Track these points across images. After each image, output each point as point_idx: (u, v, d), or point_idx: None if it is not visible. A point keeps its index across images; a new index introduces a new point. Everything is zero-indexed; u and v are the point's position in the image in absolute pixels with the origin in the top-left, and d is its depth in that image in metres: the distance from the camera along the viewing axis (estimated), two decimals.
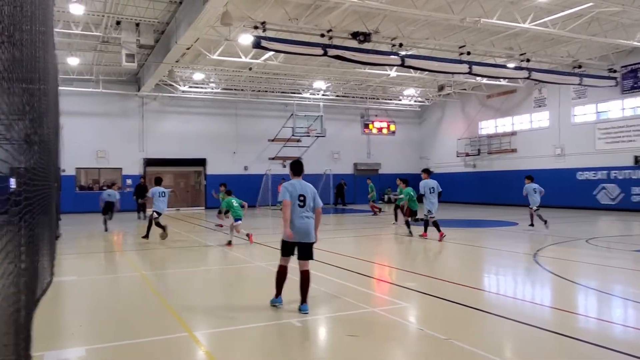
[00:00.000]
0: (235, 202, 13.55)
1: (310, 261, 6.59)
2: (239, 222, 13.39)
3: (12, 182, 4.65)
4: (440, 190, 14.59)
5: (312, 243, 6.58)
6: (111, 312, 6.78)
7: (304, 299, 6.48)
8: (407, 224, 16.27)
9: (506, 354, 5.01)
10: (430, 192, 14.47)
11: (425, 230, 14.67)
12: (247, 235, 13.70)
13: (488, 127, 32.54)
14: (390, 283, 8.66)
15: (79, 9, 16.56)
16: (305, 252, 6.53)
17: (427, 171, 15.10)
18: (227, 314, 6.58)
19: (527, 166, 29.01)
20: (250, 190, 31.40)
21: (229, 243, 13.37)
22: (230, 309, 6.84)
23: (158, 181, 15.60)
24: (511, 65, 21.75)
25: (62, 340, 5.51)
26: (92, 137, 27.82)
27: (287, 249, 6.63)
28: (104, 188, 22.48)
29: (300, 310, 6.40)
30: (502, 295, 7.76)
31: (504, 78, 25.35)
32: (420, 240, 14.23)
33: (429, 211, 14.35)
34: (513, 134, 30.50)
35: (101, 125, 28.33)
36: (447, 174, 35.11)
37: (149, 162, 29.49)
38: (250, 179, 31.64)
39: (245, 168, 31.95)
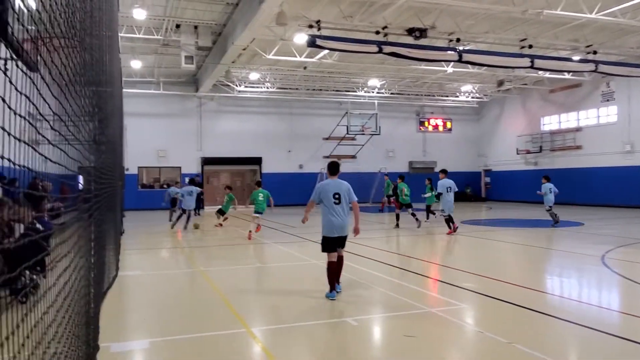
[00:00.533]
0: (262, 195, 14.58)
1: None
2: (258, 215, 14.47)
3: (80, 180, 4.90)
4: (457, 189, 15.60)
5: (344, 237, 7.37)
6: (173, 306, 7.01)
7: (338, 282, 7.39)
8: (397, 216, 18.20)
9: None
10: (447, 191, 15.36)
11: (450, 228, 15.28)
12: (250, 231, 14.58)
13: (551, 123, 31.18)
14: (448, 283, 8.47)
15: (141, 13, 17.25)
16: (342, 242, 7.41)
17: (444, 171, 15.86)
18: (283, 311, 6.64)
19: (593, 164, 27.62)
20: (304, 189, 31.62)
21: (253, 231, 14.71)
22: (286, 306, 6.90)
23: (191, 182, 18.05)
24: (576, 57, 20.71)
25: (127, 332, 5.75)
26: (153, 137, 28.93)
27: (330, 245, 7.30)
28: (164, 187, 23.51)
29: (328, 296, 7.17)
30: (566, 298, 7.40)
31: (569, 71, 24.19)
32: (477, 240, 13.83)
33: (443, 210, 15.41)
34: (578, 130, 29.07)
35: (161, 126, 29.42)
36: (507, 172, 33.98)
37: (206, 161, 30.34)
38: (305, 177, 31.87)
39: (300, 166, 32.24)
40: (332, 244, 7.24)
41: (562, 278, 9.06)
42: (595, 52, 20.38)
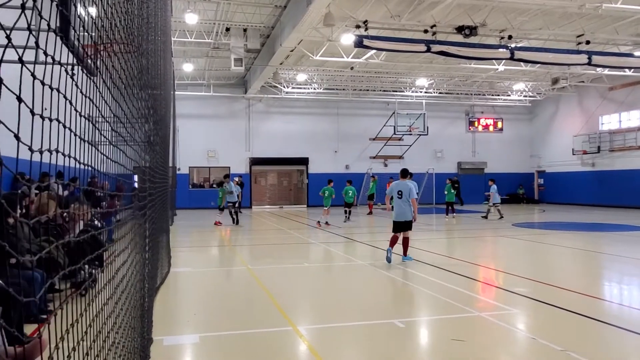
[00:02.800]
0: (327, 192, 17.99)
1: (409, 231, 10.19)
2: (325, 209, 18.00)
3: (135, 179, 5.10)
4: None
5: (409, 221, 10.00)
6: (222, 302, 7.17)
7: (405, 253, 10.16)
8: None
9: None
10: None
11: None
12: (319, 222, 17.89)
13: (610, 122, 29.76)
14: (499, 287, 8.24)
15: (193, 18, 17.74)
16: (406, 225, 10.07)
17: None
18: (329, 311, 6.66)
19: None
20: None
21: (320, 223, 17.88)
22: (333, 306, 6.92)
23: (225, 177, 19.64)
24: (638, 53, 19.68)
25: (178, 326, 5.93)
26: (203, 138, 29.68)
27: (395, 226, 10.14)
28: (214, 186, 24.17)
29: (403, 260, 10.03)
30: (625, 306, 7.04)
31: (630, 68, 22.98)
32: (530, 243, 13.37)
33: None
34: None
35: (211, 127, 30.14)
36: (561, 174, 32.71)
37: (255, 162, 30.84)
38: (352, 177, 31.78)
39: (347, 167, 32.21)
40: (396, 226, 10.10)
41: (622, 285, 8.64)
42: None
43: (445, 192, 22.28)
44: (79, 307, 2.00)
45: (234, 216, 18.82)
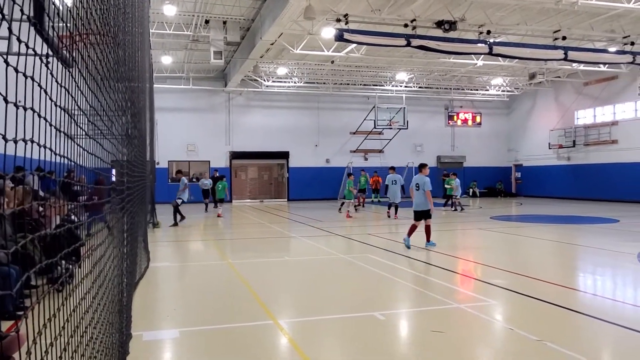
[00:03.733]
0: (348, 186, 19.28)
1: (430, 219, 11.23)
2: (350, 201, 19.35)
3: (113, 173, 5.02)
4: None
5: (427, 210, 10.96)
6: (202, 297, 7.13)
7: (428, 239, 11.21)
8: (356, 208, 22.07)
9: None
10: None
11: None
12: (349, 211, 19.28)
13: (585, 116, 30.36)
14: (477, 279, 8.37)
15: (171, 9, 17.50)
16: (425, 214, 11.07)
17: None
18: (310, 304, 6.68)
19: (629, 159, 26.81)
20: (331, 183, 31.69)
21: (349, 213, 19.30)
22: (313, 299, 6.95)
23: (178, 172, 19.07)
24: (613, 49, 20.08)
25: (158, 321, 5.88)
26: (183, 131, 29.39)
27: (415, 215, 11.19)
28: (194, 180, 24.01)
29: (426, 246, 11.11)
30: (600, 296, 7.22)
31: (605, 64, 23.47)
32: (507, 236, 13.60)
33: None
34: (614, 123, 28.23)
35: (191, 120, 29.85)
36: (538, 167, 33.29)
37: (235, 155, 30.67)
38: (332, 171, 31.90)
39: (327, 161, 32.26)
40: (417, 215, 11.15)
41: (596, 276, 8.85)
42: (632, 44, 19.72)
43: (447, 186, 23.27)
44: (56, 302, 1.96)
45: (177, 215, 16.65)
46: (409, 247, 10.89)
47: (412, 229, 11.17)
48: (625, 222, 16.68)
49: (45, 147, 1.68)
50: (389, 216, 18.75)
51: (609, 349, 5.04)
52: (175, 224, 16.36)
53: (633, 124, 27.00)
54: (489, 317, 5.92)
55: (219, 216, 19.80)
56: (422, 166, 11.44)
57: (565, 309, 6.15)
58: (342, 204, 21.08)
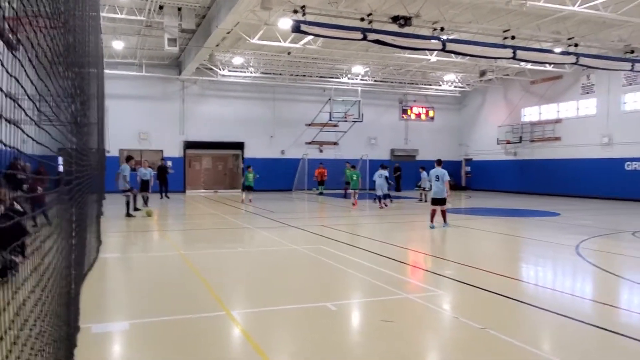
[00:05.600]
0: (355, 176, 21.68)
1: (445, 205, 13.85)
2: (355, 190, 21.56)
3: (60, 162, 4.87)
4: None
5: (444, 198, 13.54)
6: (153, 289, 7.04)
7: (444, 221, 13.73)
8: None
9: (544, 346, 4.95)
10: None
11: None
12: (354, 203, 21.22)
13: (531, 114, 31.61)
14: (426, 270, 8.64)
15: None
16: (442, 201, 13.63)
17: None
18: (263, 295, 6.72)
19: (571, 155, 28.15)
20: (286, 174, 31.68)
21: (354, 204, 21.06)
22: (266, 290, 6.99)
23: (127, 159, 17.30)
24: (558, 50, 20.98)
25: (107, 313, 5.77)
26: (135, 119, 28.56)
27: (434, 202, 13.76)
28: (137, 168, 22.54)
29: (443, 227, 13.53)
30: (541, 286, 7.62)
31: (550, 63, 24.49)
32: (456, 228, 14.06)
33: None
34: (558, 121, 29.54)
35: (143, 108, 29.04)
36: (487, 162, 34.42)
37: (189, 145, 30.12)
38: (287, 163, 31.88)
39: (282, 152, 32.20)
40: (435, 201, 13.72)
41: (537, 267, 9.31)
42: (576, 45, 20.66)
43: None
44: (4, 295, 1.93)
45: (129, 206, 16.17)
46: (433, 227, 13.44)
47: (433, 213, 13.65)
48: (566, 216, 17.56)
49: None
50: (381, 207, 20.32)
51: (547, 336, 5.34)
52: (129, 215, 15.93)
53: (575, 122, 28.35)
54: (436, 307, 6.14)
55: (249, 201, 22.00)
56: (439, 162, 14.05)
57: (508, 298, 6.45)
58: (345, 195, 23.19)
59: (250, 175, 22.15)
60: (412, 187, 26.55)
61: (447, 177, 13.52)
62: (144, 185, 19.27)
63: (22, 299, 2.17)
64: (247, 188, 22.29)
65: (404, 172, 32.04)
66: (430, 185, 22.47)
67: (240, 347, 4.77)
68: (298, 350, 4.75)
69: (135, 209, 17.01)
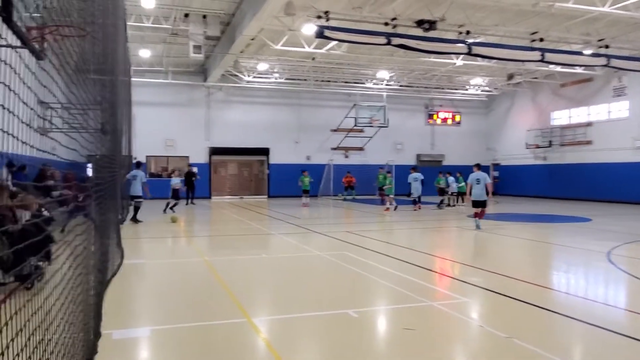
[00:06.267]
0: (388, 182, 22.16)
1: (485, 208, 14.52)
2: (390, 196, 21.66)
3: (89, 169, 4.93)
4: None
5: (485, 200, 14.20)
6: (176, 295, 7.07)
7: (480, 218, 14.33)
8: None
9: (573, 357, 4.76)
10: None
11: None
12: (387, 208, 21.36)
13: (561, 117, 30.89)
14: (451, 277, 8.47)
15: (150, 2, 17.23)
16: (482, 204, 14.28)
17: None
18: (284, 302, 6.68)
19: (603, 159, 27.38)
20: (312, 180, 31.68)
21: (387, 209, 21.31)
22: (289, 298, 6.95)
23: (137, 165, 17.55)
24: (588, 52, 20.47)
25: (129, 319, 5.81)
26: (161, 126, 29.02)
27: (475, 204, 14.37)
28: (171, 176, 23.46)
29: (476, 228, 14.20)
30: (571, 294, 7.37)
31: (580, 66, 23.93)
32: (484, 234, 13.79)
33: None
34: (589, 124, 28.79)
35: (169, 115, 29.50)
36: (515, 167, 33.77)
37: (214, 151, 30.42)
38: (312, 168, 31.88)
39: (308, 158, 32.23)
40: (475, 204, 14.36)
41: (567, 274, 9.03)
42: (607, 47, 20.13)
43: (460, 184, 23.67)
44: (25, 300, 1.93)
45: (137, 212, 16.00)
46: (479, 228, 14.16)
47: (476, 214, 14.43)
48: (598, 221, 17.05)
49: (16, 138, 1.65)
50: (415, 209, 21.52)
51: (576, 347, 5.15)
52: (136, 220, 15.80)
53: (607, 125, 27.58)
54: (460, 315, 6.00)
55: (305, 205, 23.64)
56: (478, 166, 14.78)
57: (536, 307, 6.26)
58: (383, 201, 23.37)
59: (306, 179, 23.95)
60: (434, 193, 26.25)
61: (488, 180, 14.22)
62: (175, 194, 19.98)
63: (47, 307, 2.17)
64: (304, 192, 24.19)
65: (427, 178, 31.62)
66: (459, 189, 23.08)
67: (261, 355, 4.73)
68: (319, 359, 4.68)
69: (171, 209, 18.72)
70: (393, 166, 30.82)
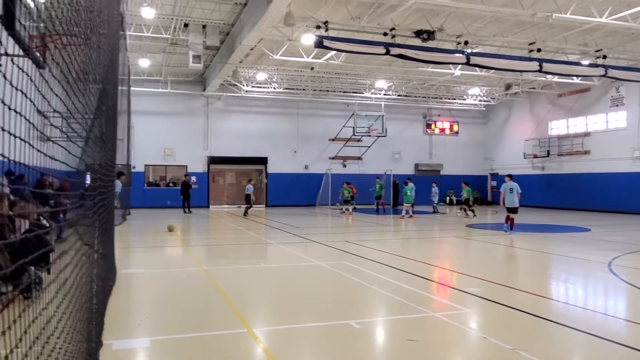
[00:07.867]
0: (409, 191, 22.45)
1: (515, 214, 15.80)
2: (408, 205, 22.35)
3: (88, 178, 4.91)
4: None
5: (517, 207, 15.64)
6: (175, 305, 7.01)
7: (511, 228, 15.59)
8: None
9: None
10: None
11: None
12: (404, 216, 22.12)
13: (559, 127, 31.01)
14: (453, 287, 8.42)
15: (150, 12, 17.30)
16: (515, 210, 15.64)
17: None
18: (285, 312, 6.63)
19: (601, 169, 27.45)
20: (309, 189, 31.67)
21: (403, 217, 22.08)
22: (289, 307, 6.89)
23: (118, 175, 16.43)
24: (586, 62, 20.58)
25: (129, 329, 5.74)
26: (160, 135, 29.02)
27: (508, 210, 15.63)
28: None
29: (510, 233, 15.47)
30: (572, 305, 7.33)
31: (578, 76, 24.05)
32: (483, 244, 13.77)
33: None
34: (586, 134, 28.89)
35: (168, 124, 29.51)
36: (514, 176, 33.73)
37: (213, 160, 30.41)
38: (311, 178, 31.89)
39: (306, 167, 32.23)
40: (509, 210, 15.62)
41: (568, 285, 8.99)
42: (605, 57, 20.24)
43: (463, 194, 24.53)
44: (24, 310, 1.89)
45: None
46: (511, 233, 15.42)
47: (507, 219, 15.68)
48: (597, 231, 17.04)
49: (33, 144, 1.62)
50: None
51: (580, 358, 5.10)
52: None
53: (605, 135, 27.67)
54: (463, 326, 5.95)
55: (344, 212, 25.60)
56: (510, 176, 16.25)
57: (538, 318, 6.21)
58: (405, 211, 23.02)
59: (346, 191, 25.64)
60: (428, 202, 26.53)
61: (519, 190, 15.69)
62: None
63: (46, 317, 2.13)
64: (345, 202, 25.86)
65: (421, 187, 31.68)
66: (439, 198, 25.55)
67: None
68: None
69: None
70: (388, 175, 30.93)
